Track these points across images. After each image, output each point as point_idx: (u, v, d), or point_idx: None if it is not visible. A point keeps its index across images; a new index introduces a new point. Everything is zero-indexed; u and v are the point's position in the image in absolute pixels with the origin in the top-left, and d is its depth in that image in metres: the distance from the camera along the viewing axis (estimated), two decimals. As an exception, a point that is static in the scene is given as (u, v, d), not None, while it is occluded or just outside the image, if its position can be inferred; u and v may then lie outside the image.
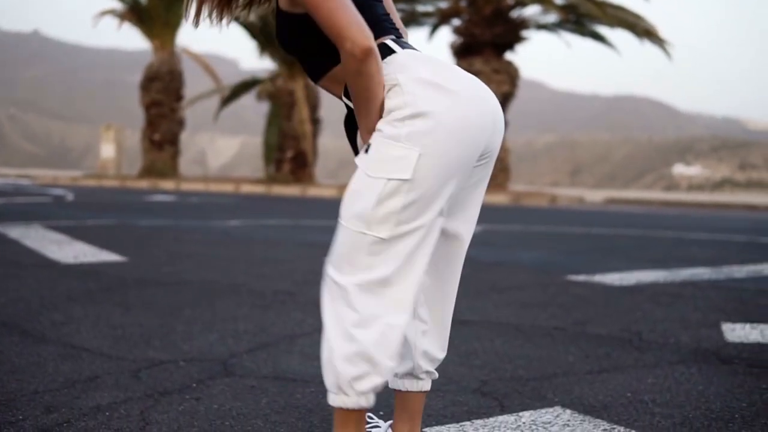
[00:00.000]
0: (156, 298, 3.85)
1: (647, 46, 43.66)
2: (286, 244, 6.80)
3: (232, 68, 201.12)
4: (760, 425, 2.09)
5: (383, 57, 1.50)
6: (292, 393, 2.30)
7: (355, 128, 1.56)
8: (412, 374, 1.68)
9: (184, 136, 30.15)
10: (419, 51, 1.58)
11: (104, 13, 26.50)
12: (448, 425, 2.03)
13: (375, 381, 1.48)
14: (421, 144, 1.44)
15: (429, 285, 1.65)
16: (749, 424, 2.09)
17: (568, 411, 2.17)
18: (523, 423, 2.06)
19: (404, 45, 1.57)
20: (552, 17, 22.85)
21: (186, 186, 22.95)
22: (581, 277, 5.01)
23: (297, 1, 1.48)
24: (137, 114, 29.29)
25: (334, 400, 1.50)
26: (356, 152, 1.56)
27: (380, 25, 1.55)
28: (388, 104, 1.48)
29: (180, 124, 27.54)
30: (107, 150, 29.19)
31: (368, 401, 1.50)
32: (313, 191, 21.25)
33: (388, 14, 1.62)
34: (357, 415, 1.52)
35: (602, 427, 2.04)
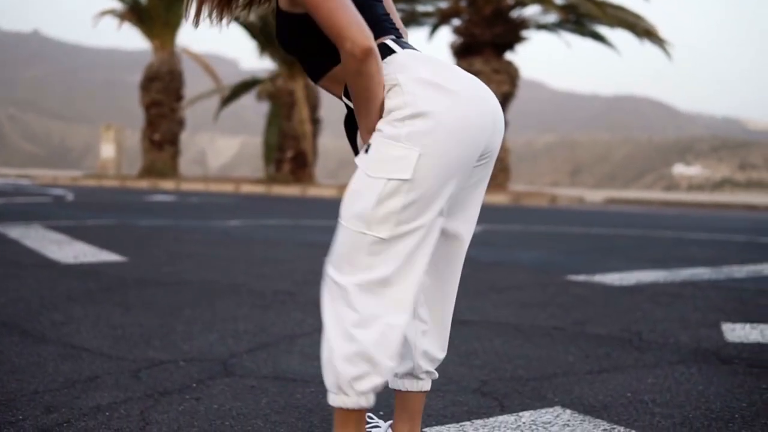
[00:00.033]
0: (156, 298, 3.85)
1: (647, 46, 43.71)
2: (286, 244, 6.80)
3: (232, 68, 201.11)
4: (760, 425, 2.09)
5: (383, 57, 1.50)
6: (292, 393, 2.30)
7: (355, 128, 1.56)
8: (412, 374, 1.68)
9: (184, 136, 30.14)
10: (419, 51, 1.58)
11: (104, 13, 26.50)
12: (448, 425, 2.03)
13: (375, 381, 1.48)
14: (421, 144, 1.44)
15: (429, 285, 1.65)
16: (749, 424, 2.09)
17: (568, 411, 2.17)
18: (523, 423, 2.06)
19: (404, 45, 1.57)
20: (552, 17, 22.85)
21: (186, 186, 22.95)
22: (581, 277, 5.01)
23: (297, 1, 1.48)
24: (137, 114, 29.30)
25: (334, 400, 1.50)
26: (356, 152, 1.56)
27: (380, 25, 1.55)
28: (388, 104, 1.48)
29: (180, 124, 27.54)
30: (107, 150, 29.19)
31: (368, 401, 1.50)
32: (313, 191, 21.25)
33: (388, 14, 1.62)
34: (357, 415, 1.52)
35: (602, 427, 2.04)
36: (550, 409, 2.18)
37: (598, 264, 5.82)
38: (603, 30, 22.88)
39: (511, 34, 22.57)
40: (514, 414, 2.14)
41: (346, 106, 1.57)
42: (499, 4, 22.23)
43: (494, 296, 4.18)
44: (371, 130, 1.49)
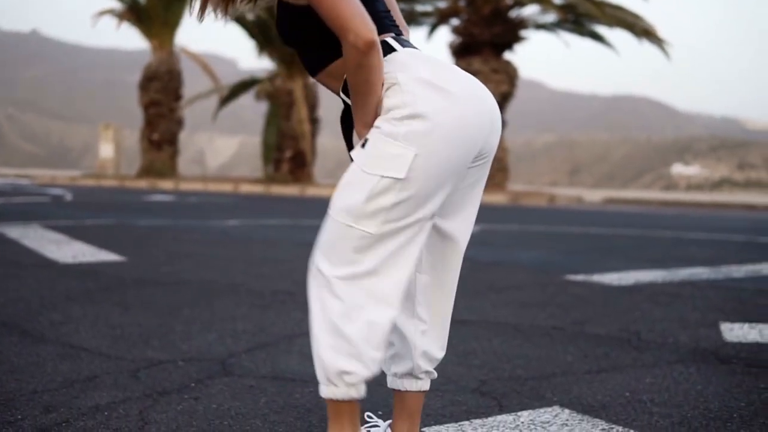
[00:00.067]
0: (155, 297, 3.85)
1: (646, 46, 43.66)
2: (284, 243, 6.80)
3: (231, 68, 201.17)
4: (758, 425, 2.09)
5: (384, 55, 1.50)
6: (290, 393, 2.30)
7: (351, 125, 1.56)
8: (411, 374, 1.68)
9: (183, 136, 30.14)
10: (419, 50, 1.58)
11: (103, 12, 26.48)
12: (446, 425, 2.03)
13: (362, 373, 1.49)
14: (417, 144, 1.45)
15: (428, 285, 1.65)
16: (747, 424, 2.10)
17: (567, 410, 2.17)
18: (522, 422, 2.06)
19: (404, 43, 1.57)
20: (551, 17, 22.85)
21: (185, 186, 22.94)
22: (580, 277, 5.01)
23: None
24: (136, 114, 29.27)
25: (325, 391, 1.51)
26: (350, 148, 1.57)
27: (380, 22, 1.55)
28: (387, 102, 1.48)
29: (179, 123, 27.53)
30: (106, 150, 29.18)
31: (358, 392, 1.50)
32: (311, 191, 21.26)
33: (389, 11, 1.62)
34: (349, 406, 1.52)
35: (600, 427, 2.04)
36: (549, 409, 2.18)
37: (597, 264, 5.82)
38: (602, 30, 22.91)
39: (510, 33, 22.56)
40: (513, 413, 2.14)
41: (343, 101, 1.57)
42: (498, 4, 22.23)
43: (493, 296, 4.18)
44: (368, 124, 1.49)
